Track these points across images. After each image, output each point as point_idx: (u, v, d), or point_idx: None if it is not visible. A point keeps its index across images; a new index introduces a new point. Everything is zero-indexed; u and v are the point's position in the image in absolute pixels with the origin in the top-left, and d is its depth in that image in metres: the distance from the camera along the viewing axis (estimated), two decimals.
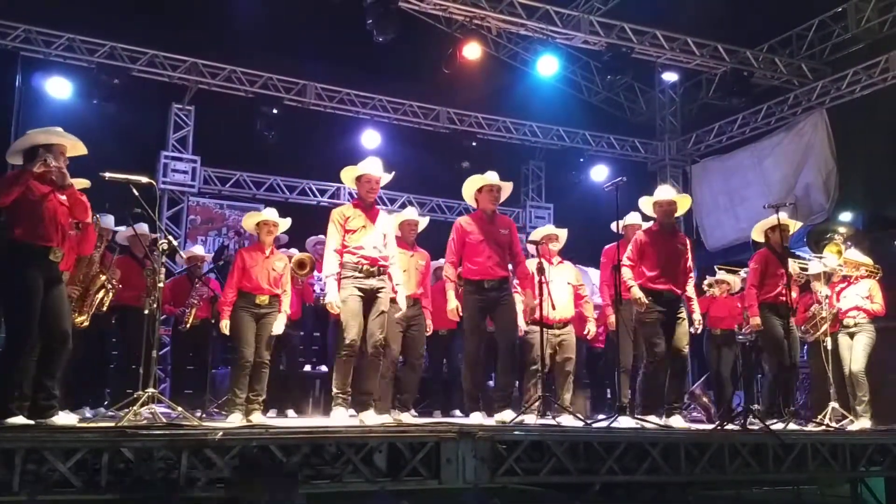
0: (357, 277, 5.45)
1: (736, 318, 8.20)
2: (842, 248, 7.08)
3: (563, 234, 6.97)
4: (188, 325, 7.30)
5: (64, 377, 5.65)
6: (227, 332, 6.13)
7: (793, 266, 6.89)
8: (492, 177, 5.98)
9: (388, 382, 6.29)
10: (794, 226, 6.73)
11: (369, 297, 5.47)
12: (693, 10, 10.68)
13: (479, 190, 5.97)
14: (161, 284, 5.15)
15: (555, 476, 4.28)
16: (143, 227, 6.65)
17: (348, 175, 5.77)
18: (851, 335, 6.90)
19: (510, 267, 6.10)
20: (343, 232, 5.53)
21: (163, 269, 5.20)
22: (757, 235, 6.75)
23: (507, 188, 6.12)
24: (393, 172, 5.78)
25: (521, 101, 12.88)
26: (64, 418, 4.54)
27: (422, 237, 6.98)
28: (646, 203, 6.17)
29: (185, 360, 7.80)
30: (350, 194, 6.12)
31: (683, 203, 6.29)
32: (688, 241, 6.25)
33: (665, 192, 6.19)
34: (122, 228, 6.77)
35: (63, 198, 4.63)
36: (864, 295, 6.92)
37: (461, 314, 5.84)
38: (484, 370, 6.02)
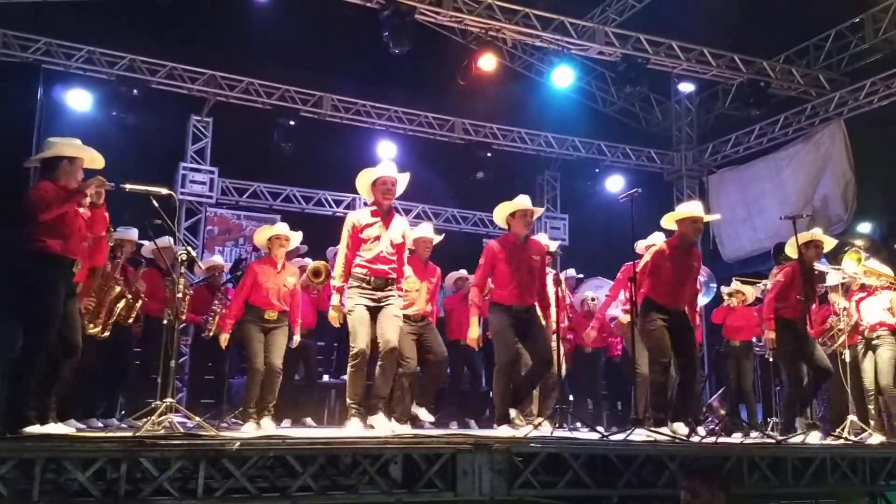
0: (365, 289, 5.43)
1: (754, 329, 8.14)
2: (861, 256, 7.00)
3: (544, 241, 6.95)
4: (211, 334, 7.34)
5: (78, 386, 5.74)
6: (223, 345, 6.20)
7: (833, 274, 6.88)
8: (524, 201, 5.91)
9: (406, 391, 6.30)
10: (830, 243, 6.60)
11: (377, 307, 5.45)
12: (709, 20, 10.66)
13: (512, 215, 5.88)
14: (180, 294, 5.17)
15: (572, 489, 4.26)
16: (167, 241, 6.67)
17: (363, 181, 5.69)
18: (874, 348, 6.82)
19: None
20: (355, 240, 5.50)
21: (182, 280, 5.23)
22: (791, 251, 6.50)
23: (539, 212, 6.13)
24: (408, 174, 5.74)
25: (536, 112, 12.89)
26: (57, 428, 4.57)
27: (437, 248, 7.00)
28: (672, 218, 6.01)
29: (204, 370, 7.83)
30: (365, 203, 6.09)
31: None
32: (700, 257, 6.19)
33: (697, 207, 6.10)
34: (145, 242, 6.82)
35: (83, 211, 4.72)
36: (885, 307, 6.84)
37: (489, 334, 5.78)
38: (511, 384, 5.96)
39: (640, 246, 6.58)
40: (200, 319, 7.45)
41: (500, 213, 5.96)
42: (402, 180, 5.67)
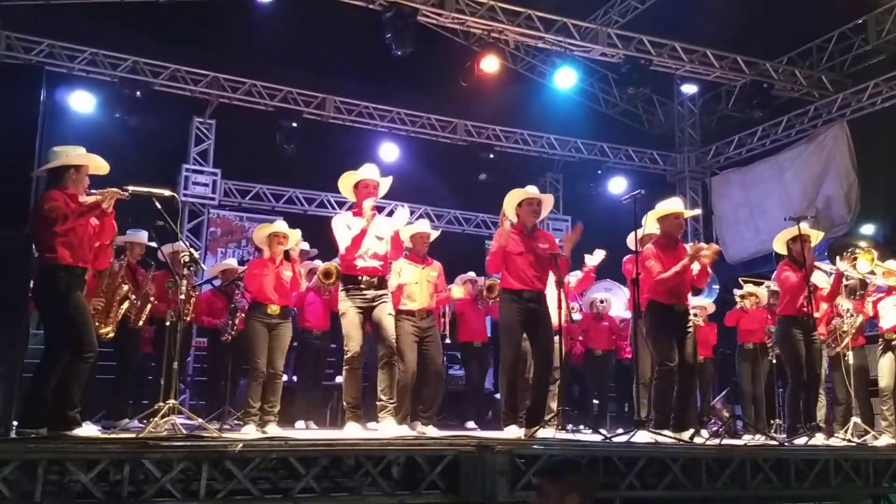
0: (357, 290, 5.49)
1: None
2: (874, 256, 6.96)
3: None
4: (232, 337, 7.31)
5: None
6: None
7: (819, 275, 6.83)
8: (532, 190, 5.93)
9: (407, 394, 6.26)
10: (817, 236, 6.63)
11: (370, 308, 5.51)
12: (712, 21, 10.64)
13: (520, 204, 5.88)
14: (182, 296, 5.17)
15: None
16: (181, 245, 6.66)
17: (346, 182, 5.81)
18: (894, 349, 6.71)
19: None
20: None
21: (184, 281, 5.23)
22: (779, 247, 6.63)
23: (548, 201, 6.02)
24: (390, 177, 5.83)
25: (538, 114, 12.89)
26: (86, 430, 4.60)
27: (440, 250, 6.98)
28: (654, 216, 6.01)
29: (220, 372, 7.78)
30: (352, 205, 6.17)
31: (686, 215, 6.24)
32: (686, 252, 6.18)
33: (677, 203, 6.11)
34: (153, 244, 6.81)
35: (93, 220, 4.75)
36: None
37: (500, 322, 5.76)
38: (521, 381, 5.95)
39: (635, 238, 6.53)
40: (219, 323, 7.43)
41: (509, 202, 5.93)
42: (385, 184, 5.80)
